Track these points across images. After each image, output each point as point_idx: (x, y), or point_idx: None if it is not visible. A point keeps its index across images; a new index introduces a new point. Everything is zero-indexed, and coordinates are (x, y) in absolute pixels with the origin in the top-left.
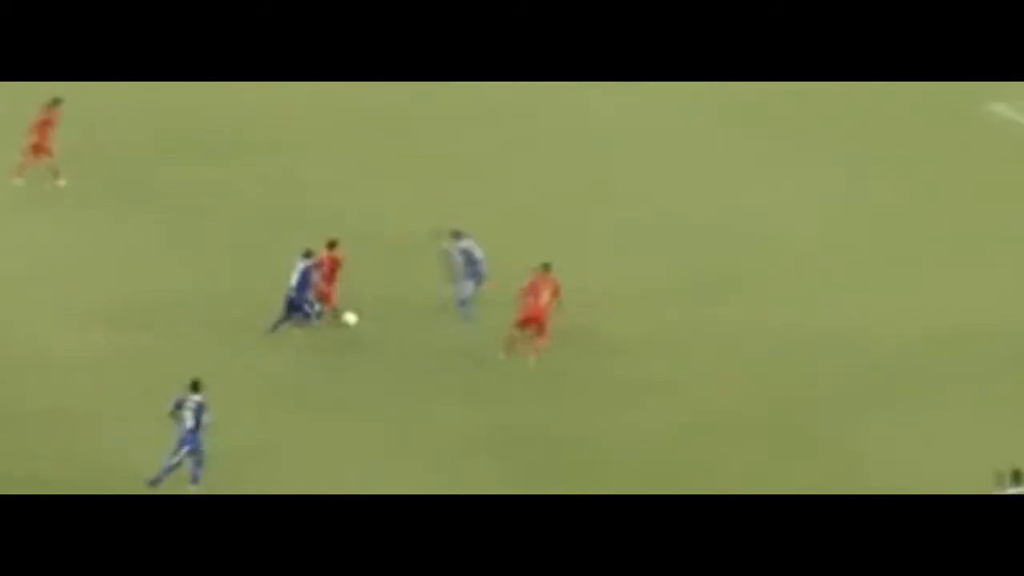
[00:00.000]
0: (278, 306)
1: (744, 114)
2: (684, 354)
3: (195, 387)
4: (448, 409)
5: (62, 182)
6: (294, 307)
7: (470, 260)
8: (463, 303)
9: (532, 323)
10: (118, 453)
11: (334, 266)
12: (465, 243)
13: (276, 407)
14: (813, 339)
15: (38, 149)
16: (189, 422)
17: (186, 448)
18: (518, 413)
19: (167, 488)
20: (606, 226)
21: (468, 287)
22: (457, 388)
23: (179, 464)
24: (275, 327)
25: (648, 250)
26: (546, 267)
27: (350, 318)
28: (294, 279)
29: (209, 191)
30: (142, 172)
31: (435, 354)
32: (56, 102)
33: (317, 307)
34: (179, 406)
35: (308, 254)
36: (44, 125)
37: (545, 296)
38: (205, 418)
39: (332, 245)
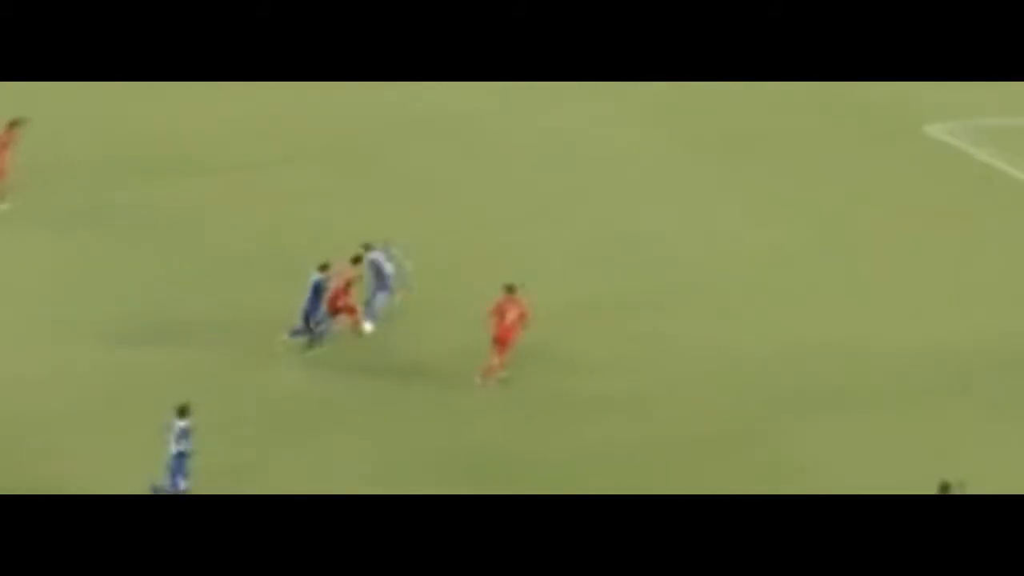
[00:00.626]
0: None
1: (690, 131)
2: (640, 370)
3: (181, 412)
4: (409, 426)
5: (4, 206)
6: (310, 318)
7: (378, 273)
8: (370, 315)
9: (498, 344)
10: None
11: (349, 281)
12: (374, 255)
13: (250, 426)
14: (764, 353)
15: None
16: (172, 447)
17: (175, 478)
18: (476, 431)
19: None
20: (554, 242)
21: (380, 299)
22: (420, 406)
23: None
24: (293, 335)
25: (595, 267)
26: (510, 289)
27: (367, 327)
28: (309, 291)
29: (165, 209)
30: (99, 191)
31: (397, 373)
32: (15, 123)
33: (323, 325)
34: (169, 430)
35: (324, 267)
36: (2, 148)
37: (511, 316)
38: (183, 445)
39: (356, 260)
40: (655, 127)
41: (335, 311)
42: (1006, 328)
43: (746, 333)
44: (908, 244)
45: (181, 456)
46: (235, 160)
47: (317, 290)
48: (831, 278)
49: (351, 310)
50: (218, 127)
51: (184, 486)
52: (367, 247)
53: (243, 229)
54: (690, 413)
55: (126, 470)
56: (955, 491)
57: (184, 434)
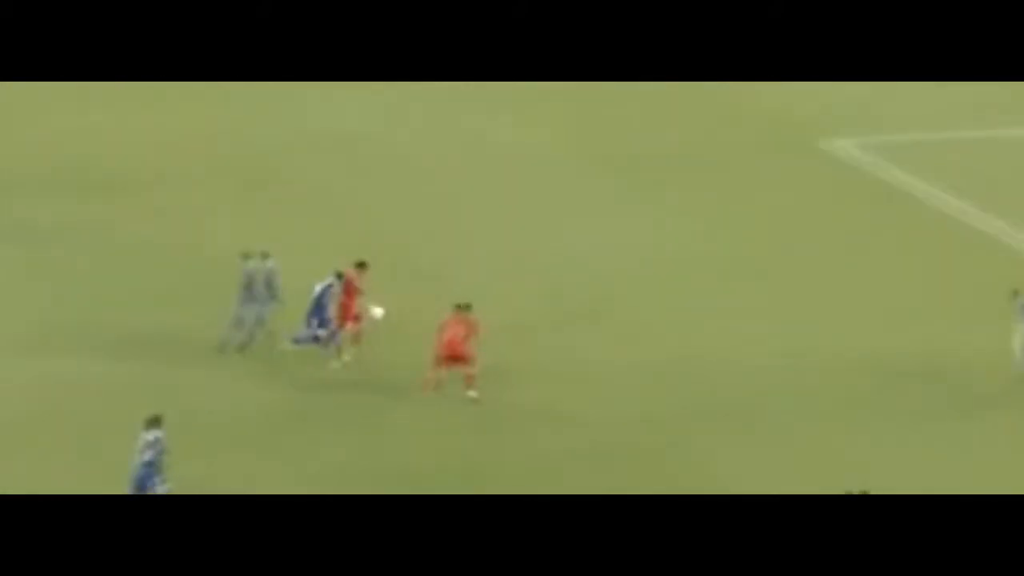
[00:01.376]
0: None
1: (597, 145)
2: (561, 382)
3: (153, 423)
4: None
5: None
6: (321, 325)
7: (248, 284)
8: (237, 325)
9: (455, 361)
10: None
11: (352, 287)
12: (248, 266)
13: (204, 442)
14: (677, 365)
15: None
16: (139, 457)
17: (151, 482)
18: (409, 446)
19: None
20: (468, 256)
21: (248, 311)
22: (348, 419)
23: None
24: (297, 342)
25: (511, 280)
26: (459, 307)
27: (377, 312)
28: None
29: (76, 225)
30: (8, 208)
31: (322, 388)
32: None
33: (323, 331)
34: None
35: (340, 275)
36: None
37: (460, 332)
38: (149, 455)
39: (361, 266)
40: (562, 141)
41: (345, 320)
42: (901, 342)
43: (657, 347)
44: (811, 259)
45: (149, 466)
46: (141, 176)
47: (323, 297)
48: (740, 292)
49: (355, 318)
50: (123, 143)
51: (163, 490)
52: (244, 257)
53: (153, 244)
54: (607, 424)
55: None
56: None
57: (154, 444)
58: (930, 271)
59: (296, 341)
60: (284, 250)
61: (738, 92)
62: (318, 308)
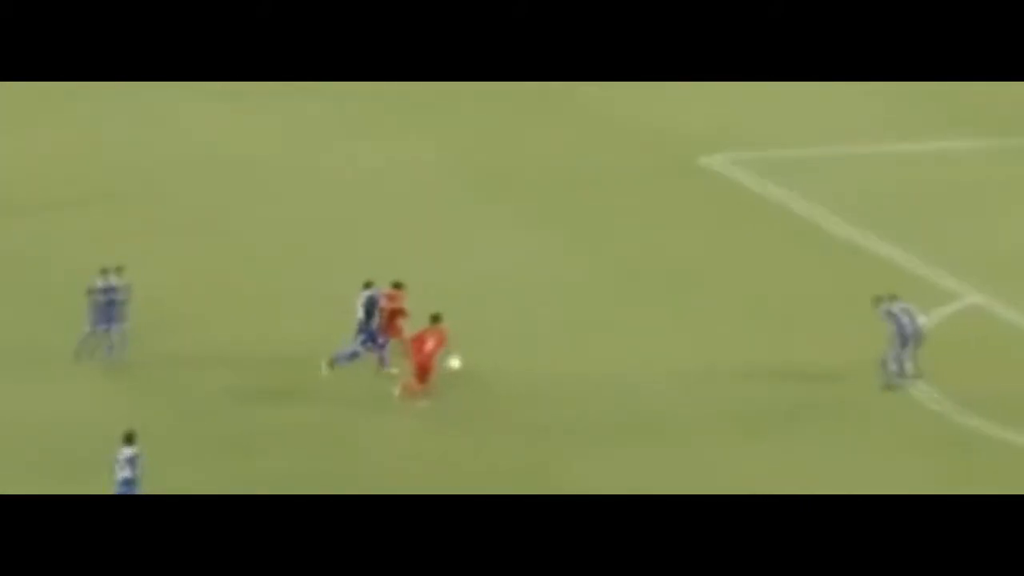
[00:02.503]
0: None
1: (479, 168)
2: (448, 396)
3: (128, 439)
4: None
5: None
6: (369, 339)
7: (110, 303)
8: (87, 341)
9: (419, 370)
10: None
11: (396, 307)
12: (101, 283)
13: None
14: (568, 383)
15: None
16: (119, 474)
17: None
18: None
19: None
20: (338, 279)
21: (103, 325)
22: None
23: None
24: (350, 359)
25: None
26: (435, 318)
27: (454, 363)
28: (360, 311)
29: None
30: None
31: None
32: None
33: (365, 346)
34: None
35: (368, 285)
36: None
37: (430, 344)
38: (138, 471)
39: (398, 286)
40: (444, 159)
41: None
42: (778, 352)
43: (537, 365)
44: (692, 275)
45: (128, 483)
46: (36, 201)
47: (369, 308)
48: (622, 309)
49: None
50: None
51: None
52: (104, 272)
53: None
54: (492, 436)
55: None
56: None
57: (131, 461)
58: (805, 283)
59: (336, 361)
60: (148, 268)
61: (620, 108)
62: (365, 323)
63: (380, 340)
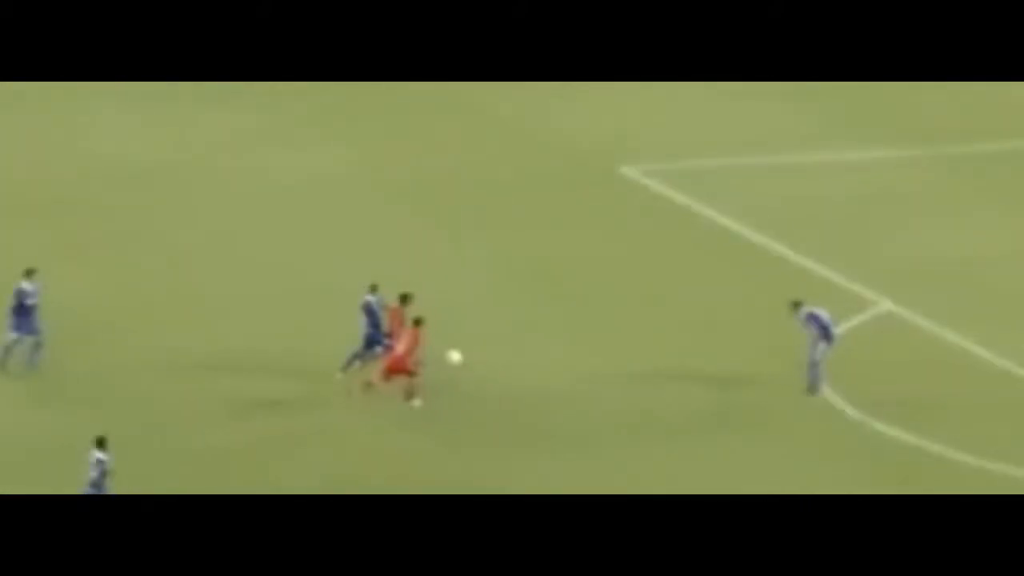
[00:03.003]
0: None
1: (390, 175)
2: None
3: (99, 444)
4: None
5: None
6: (372, 342)
7: (20, 308)
8: (6, 349)
9: (396, 372)
10: None
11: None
12: (24, 286)
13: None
14: (477, 387)
15: None
16: (92, 475)
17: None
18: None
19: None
20: (245, 289)
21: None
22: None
23: None
24: (349, 363)
25: (281, 314)
26: (416, 322)
27: (455, 356)
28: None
29: None
30: None
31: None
32: None
33: (369, 349)
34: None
35: (374, 289)
36: None
37: (400, 347)
38: (94, 474)
39: (404, 299)
40: (356, 166)
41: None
42: (700, 363)
43: (467, 371)
44: (611, 284)
45: (95, 485)
46: None
47: (370, 313)
48: (537, 316)
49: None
50: None
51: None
52: (28, 273)
53: None
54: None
55: None
56: None
57: (98, 465)
58: (722, 291)
59: (345, 368)
60: (62, 278)
61: (538, 116)
62: (372, 327)
63: (387, 342)
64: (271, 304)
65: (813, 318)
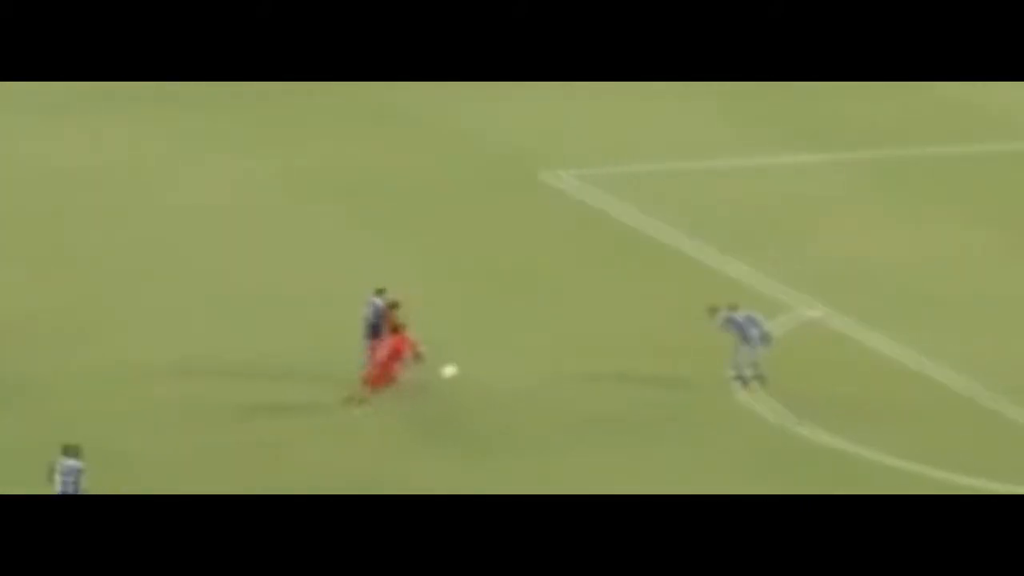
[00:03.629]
0: None
1: (307, 177)
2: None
3: (69, 452)
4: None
5: None
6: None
7: None
8: None
9: (382, 380)
10: None
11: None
12: None
13: None
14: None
15: None
16: (59, 488)
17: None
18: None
19: None
20: (163, 298)
21: None
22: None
23: None
24: None
25: (199, 322)
26: (394, 329)
27: (449, 370)
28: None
29: None
30: None
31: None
32: None
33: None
34: (53, 470)
35: (380, 291)
36: None
37: (381, 353)
38: (82, 484)
39: (392, 306)
40: (282, 172)
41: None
42: (626, 366)
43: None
44: (529, 291)
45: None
46: None
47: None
48: (465, 323)
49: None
50: None
51: None
52: None
53: None
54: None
55: None
56: None
57: (71, 472)
58: (645, 295)
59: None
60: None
61: (462, 119)
62: (372, 332)
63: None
64: (196, 311)
65: (733, 322)
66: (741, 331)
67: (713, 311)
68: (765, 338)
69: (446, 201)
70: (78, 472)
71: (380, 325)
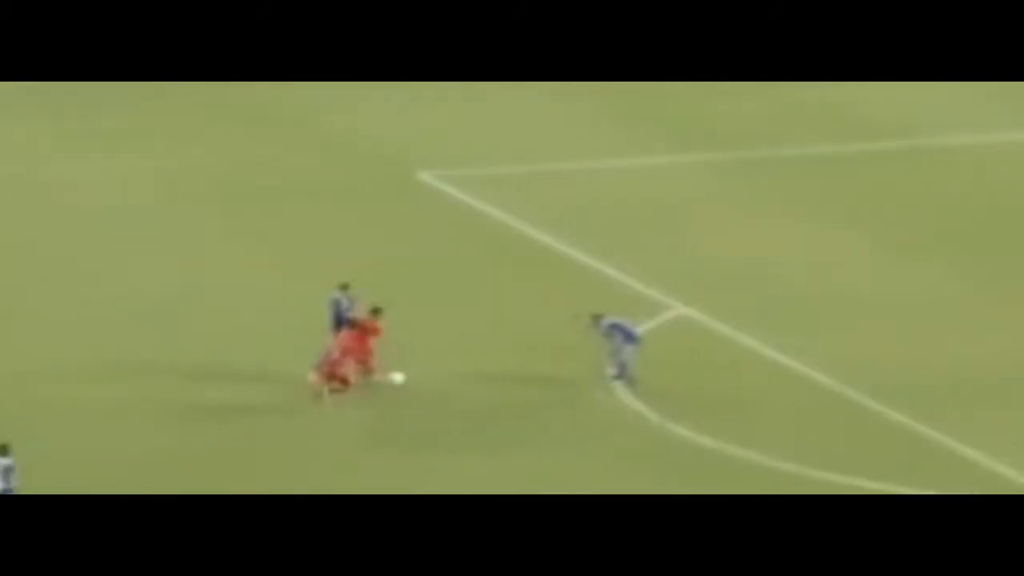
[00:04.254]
0: None
1: (185, 184)
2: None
3: (2, 451)
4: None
5: None
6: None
7: None
8: None
9: (331, 375)
10: None
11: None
12: None
13: None
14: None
15: None
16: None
17: None
18: None
19: None
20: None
21: None
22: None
23: None
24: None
25: (97, 325)
26: (350, 324)
27: (397, 377)
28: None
29: None
30: None
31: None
32: None
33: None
34: None
35: (344, 286)
36: None
37: (335, 349)
38: (13, 482)
39: (376, 312)
40: (154, 175)
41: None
42: (491, 370)
43: (270, 378)
44: (405, 292)
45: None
46: None
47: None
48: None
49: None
50: None
51: None
52: None
53: None
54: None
55: None
56: None
57: (5, 472)
58: (517, 296)
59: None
60: None
61: (338, 119)
62: (336, 325)
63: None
64: (73, 313)
65: (616, 327)
66: (619, 335)
67: (596, 319)
68: (636, 339)
69: (323, 201)
70: (9, 469)
71: (343, 319)
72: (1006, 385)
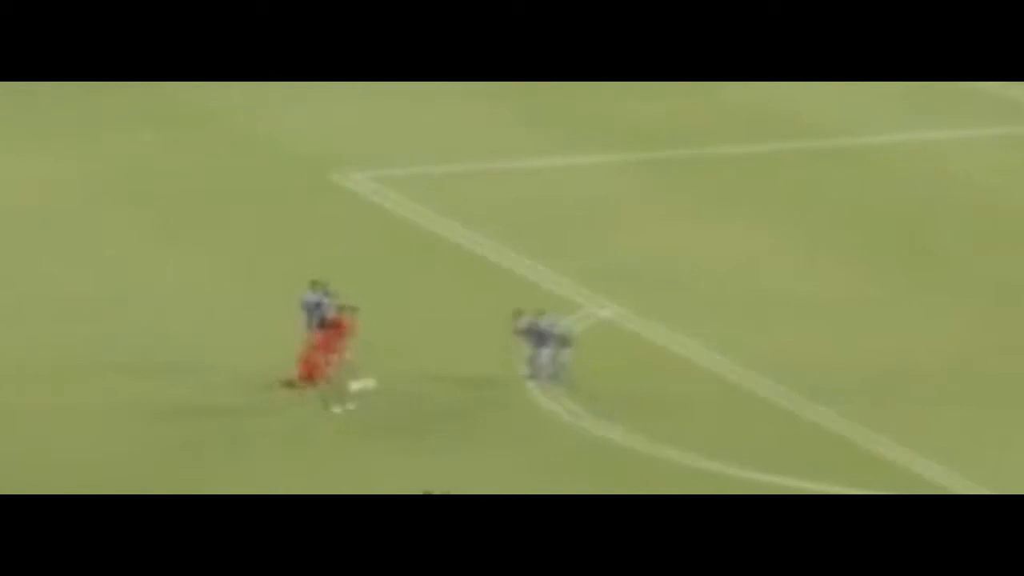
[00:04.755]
0: None
1: (98, 182)
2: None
3: None
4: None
5: None
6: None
7: None
8: None
9: (308, 375)
10: None
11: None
12: None
13: None
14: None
15: None
16: None
17: None
18: None
19: None
20: None
21: None
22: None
23: None
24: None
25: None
26: (321, 323)
27: (369, 383)
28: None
29: None
30: None
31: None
32: None
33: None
34: None
35: (314, 283)
36: None
37: (310, 348)
38: None
39: (352, 310)
40: (77, 176)
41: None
42: (415, 371)
43: (188, 382)
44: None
45: None
46: None
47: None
48: (257, 327)
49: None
50: None
51: None
52: None
53: None
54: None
55: None
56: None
57: None
58: (441, 298)
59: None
60: None
61: (255, 123)
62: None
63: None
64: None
65: (532, 327)
66: (541, 336)
67: (517, 315)
68: (564, 340)
69: (238, 203)
70: None
71: (313, 318)
72: (934, 385)
